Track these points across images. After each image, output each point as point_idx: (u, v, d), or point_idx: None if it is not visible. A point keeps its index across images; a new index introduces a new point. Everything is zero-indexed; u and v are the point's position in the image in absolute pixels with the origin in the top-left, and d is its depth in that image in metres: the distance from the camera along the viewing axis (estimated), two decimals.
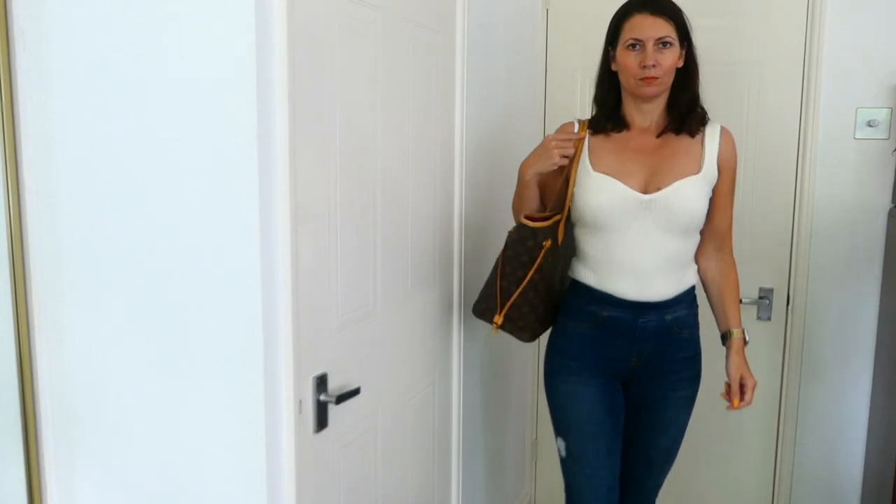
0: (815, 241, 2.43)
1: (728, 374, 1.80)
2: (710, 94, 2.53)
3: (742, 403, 1.78)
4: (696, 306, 1.83)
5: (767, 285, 2.52)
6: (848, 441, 2.49)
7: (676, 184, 1.68)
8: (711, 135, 1.76)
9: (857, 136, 2.36)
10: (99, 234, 1.31)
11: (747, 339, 1.82)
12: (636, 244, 1.69)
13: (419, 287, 1.83)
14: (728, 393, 1.81)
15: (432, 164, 1.85)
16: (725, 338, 1.83)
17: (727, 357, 1.81)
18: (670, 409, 1.81)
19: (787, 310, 2.50)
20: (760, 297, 2.53)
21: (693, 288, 1.81)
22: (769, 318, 2.53)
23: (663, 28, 1.65)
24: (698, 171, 1.71)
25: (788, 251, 2.48)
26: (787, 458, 2.55)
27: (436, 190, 1.88)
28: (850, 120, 2.36)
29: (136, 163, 1.27)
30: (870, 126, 2.34)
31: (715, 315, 1.87)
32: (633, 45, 1.65)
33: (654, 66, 1.63)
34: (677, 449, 1.88)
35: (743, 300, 2.53)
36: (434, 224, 1.89)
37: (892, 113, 2.32)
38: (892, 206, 2.34)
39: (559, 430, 1.83)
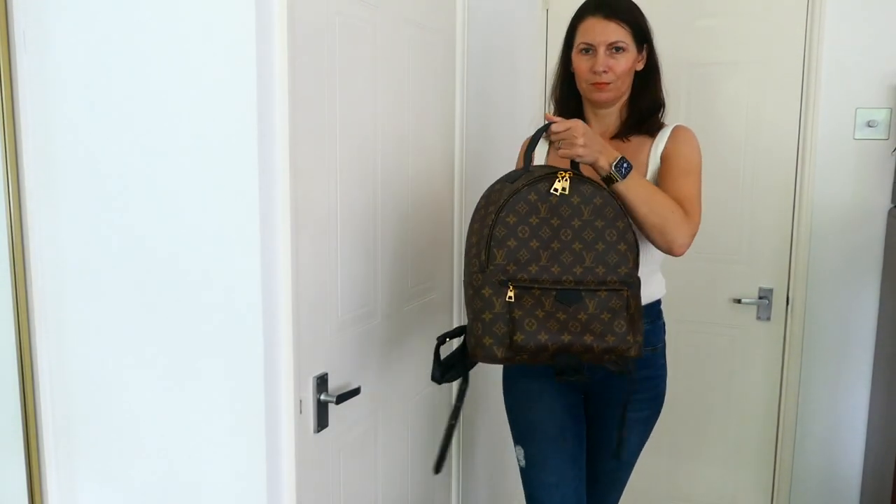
0: (814, 242, 2.44)
1: None
2: (709, 94, 2.55)
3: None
4: (662, 323, 1.73)
5: (767, 285, 2.53)
6: (847, 441, 2.49)
7: None
8: (661, 137, 1.64)
9: (856, 137, 2.36)
10: (99, 233, 1.31)
11: (619, 173, 1.42)
12: None
13: (419, 287, 1.83)
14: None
15: (432, 164, 1.85)
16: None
17: None
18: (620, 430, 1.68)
19: (786, 310, 2.51)
20: (760, 298, 2.53)
21: (657, 303, 1.71)
22: (769, 319, 2.53)
23: (616, 33, 1.57)
24: (644, 176, 1.61)
25: (788, 251, 2.49)
26: (786, 457, 2.55)
27: (436, 189, 1.88)
28: (850, 120, 2.36)
29: (137, 163, 1.27)
30: (869, 126, 2.34)
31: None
32: (586, 50, 1.60)
33: (605, 71, 1.57)
34: (627, 473, 1.77)
35: (743, 300, 2.54)
36: (434, 224, 1.89)
37: (891, 113, 2.32)
38: (891, 206, 2.34)
39: (517, 436, 1.70)
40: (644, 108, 1.65)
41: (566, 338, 1.31)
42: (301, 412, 1.35)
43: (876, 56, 2.31)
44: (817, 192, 2.42)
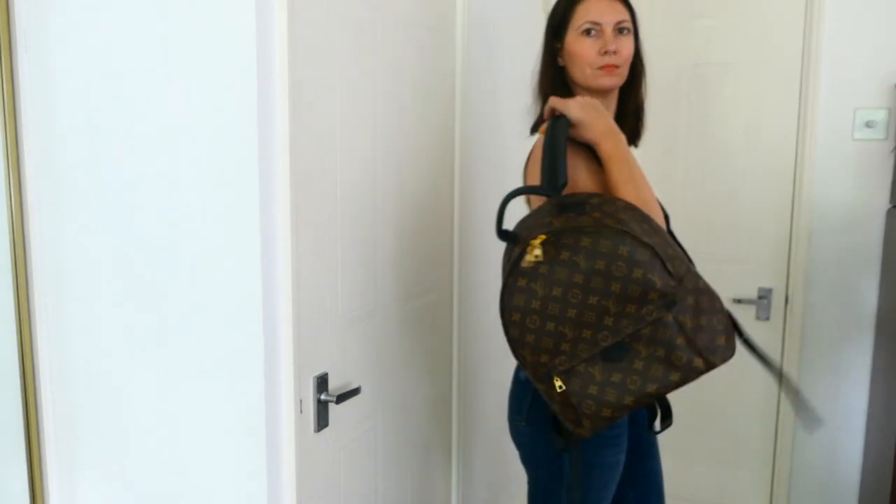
0: (813, 242, 2.44)
1: None
2: (708, 94, 2.55)
3: None
4: None
5: (766, 285, 2.53)
6: (846, 441, 2.49)
7: None
8: None
9: (855, 137, 2.36)
10: (100, 233, 1.32)
11: None
12: None
13: (419, 287, 1.83)
14: None
15: (432, 164, 1.86)
16: None
17: None
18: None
19: (785, 310, 2.51)
20: (759, 297, 2.53)
21: None
22: (768, 318, 2.54)
23: (621, 12, 1.45)
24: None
25: (787, 251, 2.49)
26: (785, 457, 2.55)
27: (436, 189, 1.88)
28: (849, 120, 2.36)
29: (137, 163, 1.27)
30: (868, 127, 2.34)
31: None
32: (589, 31, 1.44)
33: (615, 51, 1.42)
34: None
35: (742, 300, 2.54)
36: (434, 225, 1.89)
37: (890, 113, 2.32)
38: (890, 206, 2.34)
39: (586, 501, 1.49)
40: (630, 112, 1.56)
41: (628, 400, 1.18)
42: (301, 412, 1.35)
43: (875, 56, 2.31)
44: (816, 192, 2.42)
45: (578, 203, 1.22)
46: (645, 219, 1.21)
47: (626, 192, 1.29)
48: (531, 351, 1.21)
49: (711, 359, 1.16)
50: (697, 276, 1.19)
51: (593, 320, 1.17)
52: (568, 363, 1.19)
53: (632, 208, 1.23)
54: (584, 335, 1.17)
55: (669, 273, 1.14)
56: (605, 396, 1.18)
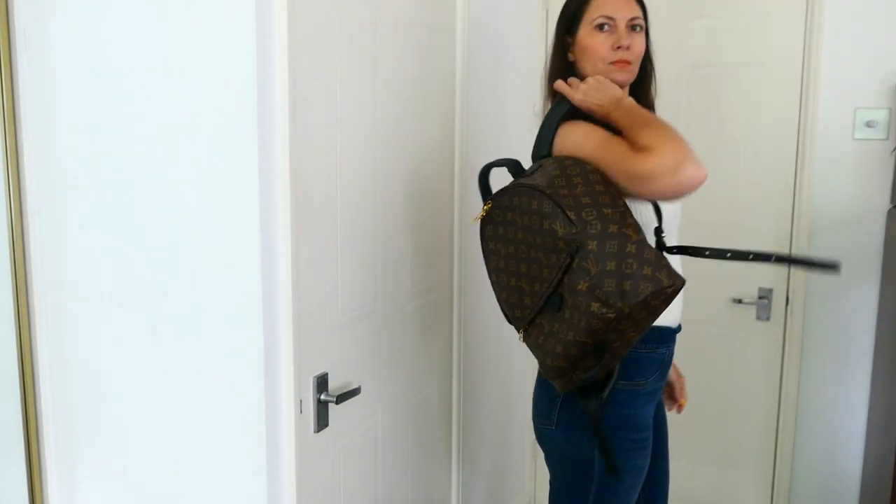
0: (814, 242, 2.44)
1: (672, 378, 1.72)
2: (709, 95, 2.55)
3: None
4: None
5: (766, 285, 2.53)
6: (847, 441, 2.49)
7: None
8: None
9: (855, 137, 2.36)
10: (100, 232, 1.32)
11: None
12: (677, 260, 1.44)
13: (419, 287, 1.83)
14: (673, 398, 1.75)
15: (432, 164, 1.86)
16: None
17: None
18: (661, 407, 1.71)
19: (786, 310, 2.51)
20: (760, 298, 2.53)
21: None
22: (768, 318, 2.54)
23: (635, 9, 1.46)
24: None
25: (787, 251, 2.49)
26: (785, 458, 2.55)
27: (436, 189, 1.88)
28: (849, 120, 2.36)
29: (137, 163, 1.27)
30: (869, 126, 2.34)
31: None
32: (602, 26, 1.43)
33: (627, 47, 1.42)
34: None
35: (743, 300, 2.54)
36: (434, 224, 1.89)
37: (890, 113, 2.32)
38: (890, 206, 2.34)
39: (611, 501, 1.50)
40: (641, 104, 1.55)
41: (559, 348, 1.24)
42: (301, 412, 1.35)
43: (876, 56, 2.31)
44: (817, 192, 2.42)
45: (532, 168, 1.33)
46: (582, 172, 1.25)
47: (646, 132, 1.26)
48: (508, 307, 1.33)
49: (615, 303, 1.15)
50: (612, 222, 1.18)
51: (537, 272, 1.26)
52: (530, 315, 1.28)
53: (572, 164, 1.27)
54: (536, 288, 1.26)
55: (571, 220, 1.19)
56: (547, 345, 1.25)
